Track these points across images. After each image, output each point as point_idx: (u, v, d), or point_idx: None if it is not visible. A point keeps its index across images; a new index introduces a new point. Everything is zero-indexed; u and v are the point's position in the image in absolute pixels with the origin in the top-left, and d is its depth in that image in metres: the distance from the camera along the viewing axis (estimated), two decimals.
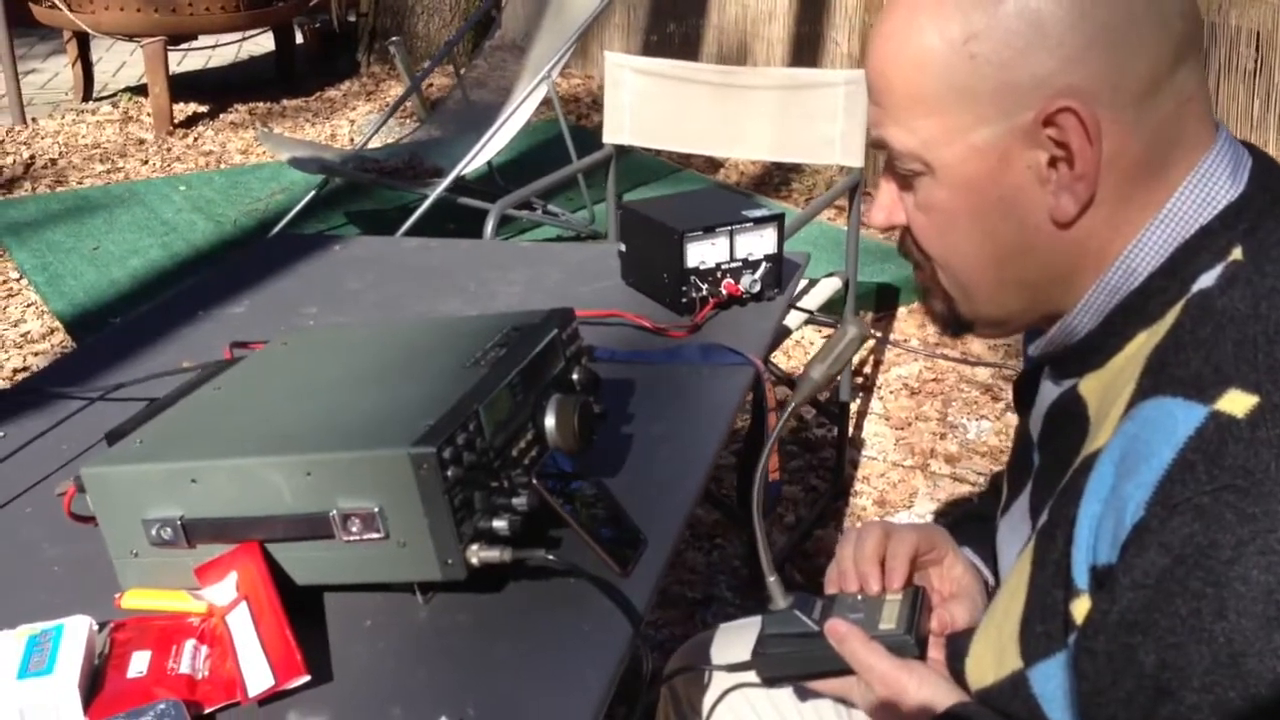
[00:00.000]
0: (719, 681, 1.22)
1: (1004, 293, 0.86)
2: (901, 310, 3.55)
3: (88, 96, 6.10)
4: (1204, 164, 0.80)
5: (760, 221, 1.58)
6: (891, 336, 3.41)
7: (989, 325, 0.90)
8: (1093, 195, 0.79)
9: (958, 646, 0.94)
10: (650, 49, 5.71)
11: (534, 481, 0.99)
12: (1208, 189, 0.80)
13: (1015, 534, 0.94)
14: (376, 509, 0.93)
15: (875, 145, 0.87)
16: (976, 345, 3.31)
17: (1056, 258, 0.83)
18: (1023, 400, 1.02)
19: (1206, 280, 0.77)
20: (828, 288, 2.60)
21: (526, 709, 0.88)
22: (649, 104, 2.77)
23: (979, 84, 0.79)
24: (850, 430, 2.85)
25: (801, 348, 3.32)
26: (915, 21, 0.81)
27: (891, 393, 3.12)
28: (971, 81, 0.79)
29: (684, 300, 1.55)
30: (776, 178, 4.72)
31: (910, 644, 0.94)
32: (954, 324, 0.91)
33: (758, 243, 1.58)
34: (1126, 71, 0.77)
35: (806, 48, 4.82)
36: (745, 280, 1.57)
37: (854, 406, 2.97)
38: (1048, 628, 0.80)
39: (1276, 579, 0.65)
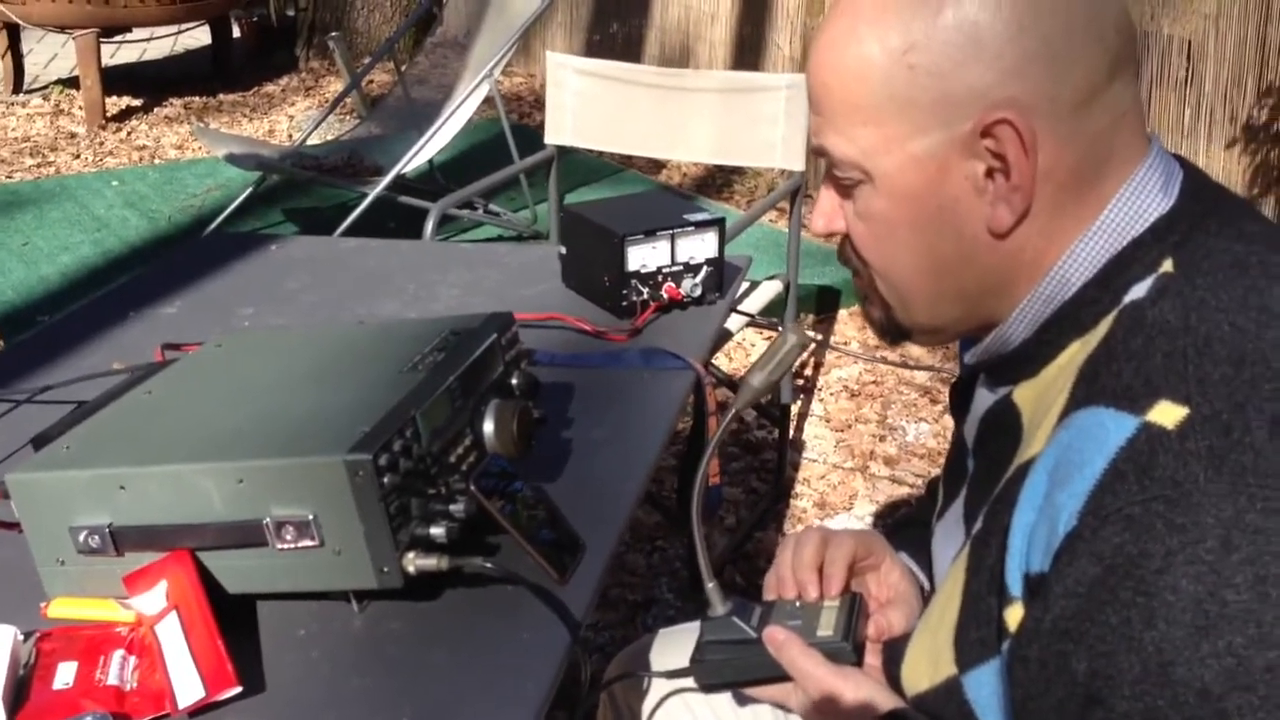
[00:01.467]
0: (658, 686, 1.22)
1: (941, 302, 0.87)
2: (842, 313, 3.58)
3: (18, 89, 5.97)
4: (1136, 177, 0.82)
5: (701, 225, 1.58)
6: (832, 339, 3.43)
7: (925, 333, 0.91)
8: (1028, 206, 0.80)
9: (894, 652, 0.94)
10: (593, 49, 5.70)
11: (472, 488, 0.99)
12: (1140, 201, 0.81)
13: (950, 539, 0.95)
14: (311, 517, 0.92)
15: (816, 153, 0.87)
16: (915, 349, 3.34)
17: (992, 268, 0.84)
18: (958, 406, 1.03)
19: (1138, 291, 0.78)
20: (769, 290, 2.61)
21: (463, 717, 0.88)
22: (591, 105, 2.76)
23: (918, 94, 0.79)
24: (791, 432, 2.86)
25: (743, 350, 3.33)
26: (856, 31, 0.81)
27: (832, 395, 3.14)
28: (911, 92, 0.79)
29: (624, 304, 1.55)
30: (718, 179, 4.73)
31: (847, 651, 0.94)
32: (892, 331, 0.92)
33: (699, 246, 1.58)
34: (1063, 84, 0.78)
35: (748, 50, 4.84)
36: (686, 284, 1.57)
37: (795, 409, 2.99)
38: (981, 634, 0.81)
39: (1205, 589, 0.66)
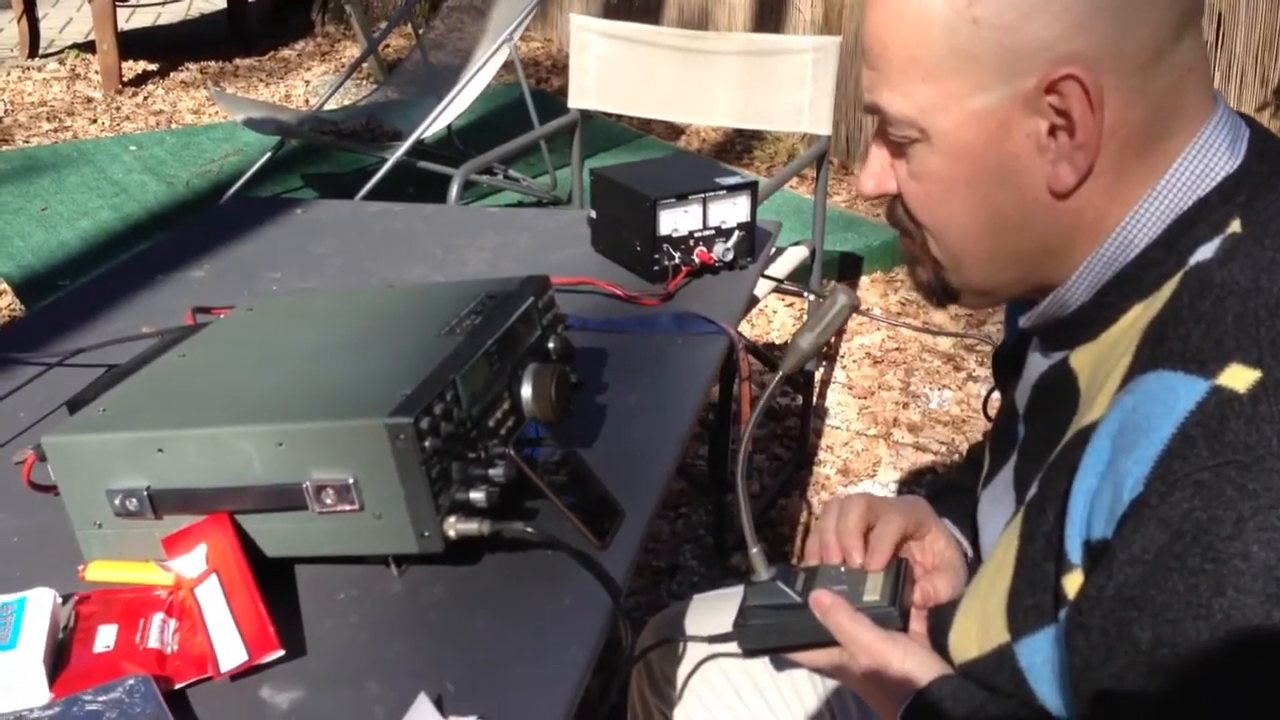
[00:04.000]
0: (694, 652, 1.21)
1: (996, 263, 0.85)
2: (864, 279, 3.55)
3: (34, 53, 5.95)
4: (1202, 135, 0.79)
5: (733, 189, 1.56)
6: None
7: (977, 295, 0.89)
8: (1092, 165, 0.78)
9: (941, 620, 0.93)
10: (610, 12, 5.64)
11: (511, 452, 0.98)
12: (1206, 161, 0.79)
13: (999, 506, 0.94)
14: (351, 480, 0.91)
15: (868, 110, 0.85)
16: (939, 315, 3.32)
17: (1052, 229, 0.82)
18: (1005, 372, 1.01)
19: (1205, 253, 0.76)
20: (794, 256, 2.59)
21: (506, 683, 0.87)
22: (615, 68, 2.73)
23: (981, 49, 0.77)
24: (814, 399, 2.85)
25: (765, 317, 3.31)
26: None
27: (855, 362, 3.13)
28: (973, 47, 0.77)
29: (656, 268, 1.53)
30: (738, 145, 4.70)
31: (894, 616, 0.93)
32: (940, 293, 0.90)
33: (730, 210, 1.56)
34: (1130, 39, 0.76)
35: (769, 13, 4.79)
36: (718, 248, 1.55)
37: (818, 375, 2.97)
38: (1037, 601, 0.79)
39: (1277, 555, 0.65)
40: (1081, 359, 0.84)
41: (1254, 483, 0.66)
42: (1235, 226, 0.76)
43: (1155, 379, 0.72)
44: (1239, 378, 0.69)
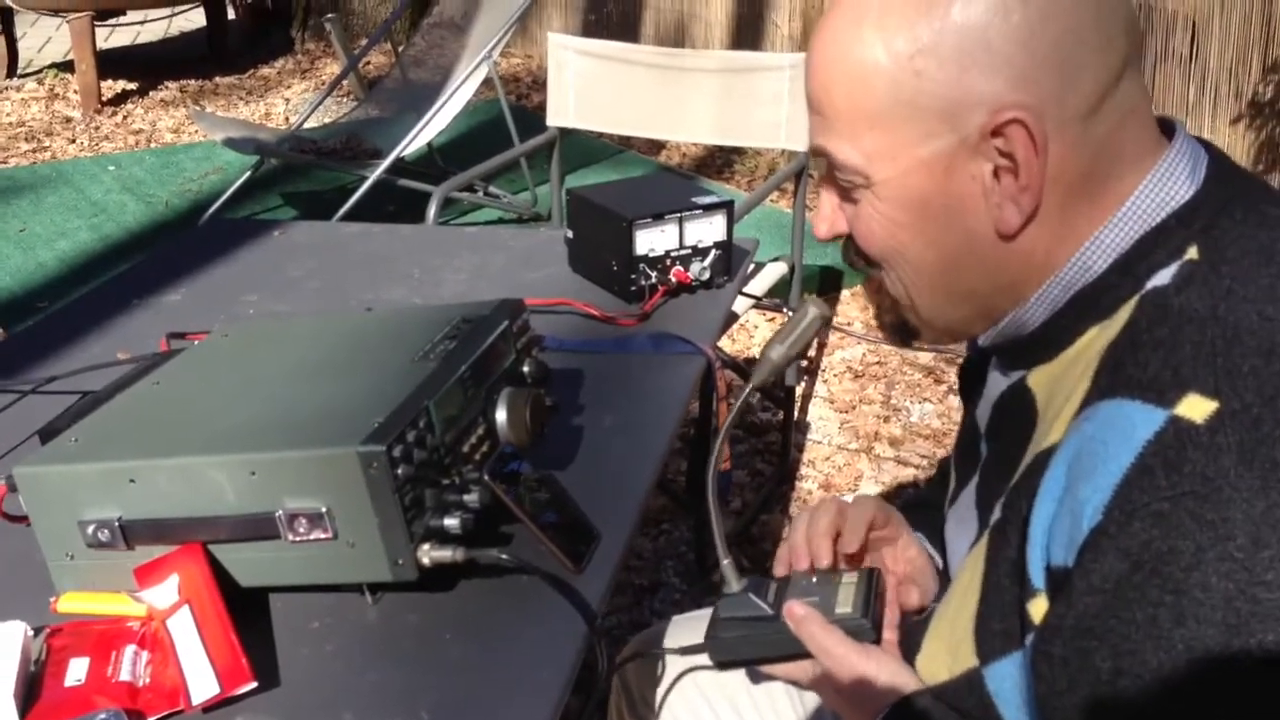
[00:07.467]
0: (671, 670, 1.21)
1: (950, 301, 0.86)
2: (845, 293, 3.56)
3: (12, 73, 5.93)
4: (1162, 165, 0.80)
5: (709, 208, 1.56)
6: (835, 320, 3.42)
7: (936, 332, 0.89)
8: (1036, 208, 0.79)
9: (909, 643, 0.93)
10: (589, 29, 5.66)
11: (485, 478, 0.97)
12: (1166, 189, 0.79)
13: (964, 526, 0.94)
14: (324, 509, 0.91)
15: (815, 153, 0.85)
16: None
17: (1001, 268, 0.82)
18: (967, 388, 1.01)
19: (1162, 278, 0.77)
20: (773, 272, 2.59)
21: (481, 710, 0.87)
22: (593, 86, 2.74)
23: (925, 100, 0.77)
24: (795, 414, 2.85)
25: (746, 332, 3.32)
26: (859, 34, 0.79)
27: (835, 376, 3.13)
28: (918, 98, 0.77)
29: (633, 288, 1.53)
30: (719, 160, 4.71)
31: (867, 628, 0.93)
32: (903, 332, 0.91)
33: (707, 230, 1.57)
34: (1071, 90, 0.76)
35: (746, 30, 4.81)
36: (695, 268, 1.56)
37: (799, 390, 2.98)
38: (1005, 626, 0.79)
39: (1236, 586, 0.65)
40: (1038, 379, 0.85)
41: (1212, 513, 0.66)
42: (1192, 253, 0.77)
43: (1113, 406, 0.72)
44: (1196, 408, 0.69)
